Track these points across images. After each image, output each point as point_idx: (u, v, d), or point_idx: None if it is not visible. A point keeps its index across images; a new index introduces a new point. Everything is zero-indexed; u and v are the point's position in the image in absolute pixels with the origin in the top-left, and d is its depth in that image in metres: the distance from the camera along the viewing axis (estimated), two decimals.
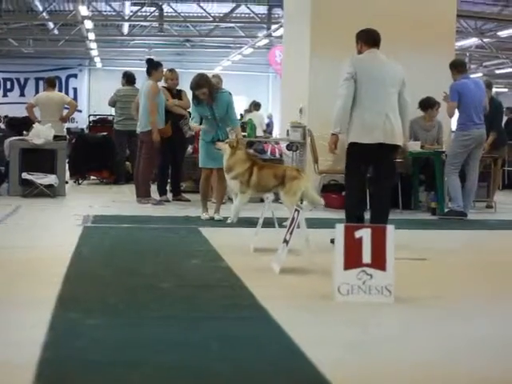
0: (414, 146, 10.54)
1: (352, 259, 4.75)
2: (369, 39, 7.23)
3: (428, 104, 10.84)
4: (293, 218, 5.69)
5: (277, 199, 8.80)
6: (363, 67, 7.04)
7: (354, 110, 7.00)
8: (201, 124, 9.08)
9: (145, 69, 10.94)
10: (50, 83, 13.42)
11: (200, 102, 8.92)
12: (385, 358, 3.58)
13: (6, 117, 23.53)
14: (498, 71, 30.99)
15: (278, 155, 13.06)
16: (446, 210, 10.10)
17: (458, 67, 10.05)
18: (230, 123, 9.03)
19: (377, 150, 6.97)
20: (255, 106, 20.52)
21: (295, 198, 8.38)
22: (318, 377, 3.21)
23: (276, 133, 19.74)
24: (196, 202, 10.97)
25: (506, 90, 33.27)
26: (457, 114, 10.05)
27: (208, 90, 8.81)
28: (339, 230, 4.79)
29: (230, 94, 9.12)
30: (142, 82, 11.24)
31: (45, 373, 3.16)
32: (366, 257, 4.76)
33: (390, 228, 4.84)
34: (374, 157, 7.04)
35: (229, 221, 8.62)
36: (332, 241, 6.41)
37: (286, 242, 5.66)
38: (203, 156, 9.10)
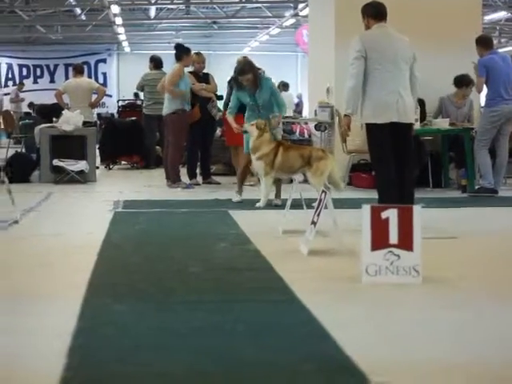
0: (443, 124, 10.46)
1: (379, 240, 4.74)
2: (376, 13, 6.95)
3: (463, 81, 10.67)
4: (320, 200, 5.70)
5: (305, 180, 8.81)
6: (373, 44, 6.80)
7: (366, 90, 6.81)
8: (239, 112, 9.06)
9: (172, 52, 10.96)
10: (78, 70, 13.52)
11: (242, 88, 8.86)
12: (413, 341, 3.58)
13: (31, 104, 23.72)
14: None
15: (306, 135, 13.03)
16: (476, 187, 10.02)
17: (485, 43, 9.93)
18: (276, 109, 8.89)
19: (391, 130, 6.82)
20: (283, 86, 20.43)
21: (323, 178, 8.39)
22: (347, 360, 3.22)
23: (305, 112, 19.67)
24: (226, 185, 11.05)
25: None
26: (485, 89, 9.93)
27: (253, 75, 8.76)
28: (366, 211, 4.78)
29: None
30: (170, 65, 11.26)
31: (76, 360, 3.21)
32: (393, 237, 4.75)
33: (416, 208, 4.82)
34: (389, 137, 6.87)
35: (257, 205, 8.53)
36: None
37: (313, 223, 5.66)
38: (246, 142, 9.00)
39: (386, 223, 4.77)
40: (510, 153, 10.42)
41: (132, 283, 4.67)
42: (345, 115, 6.94)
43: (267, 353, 3.35)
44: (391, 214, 4.78)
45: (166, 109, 10.68)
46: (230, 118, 9.14)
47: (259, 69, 9.29)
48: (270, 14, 26.23)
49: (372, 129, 6.86)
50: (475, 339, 3.61)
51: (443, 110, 10.97)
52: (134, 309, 4.08)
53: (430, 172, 10.65)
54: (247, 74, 8.75)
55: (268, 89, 8.86)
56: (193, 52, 11.42)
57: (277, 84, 21.49)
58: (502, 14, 24.47)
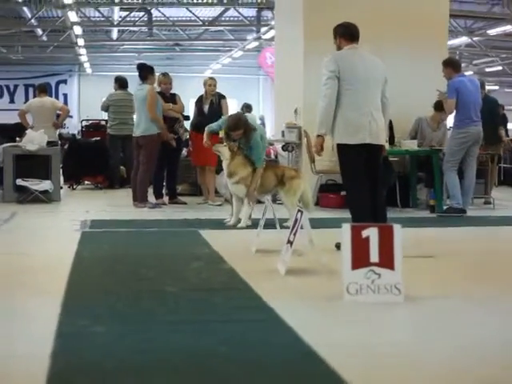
0: (411, 145, 10.50)
1: (360, 258, 4.68)
2: (348, 34, 6.87)
3: (442, 106, 10.64)
4: (296, 219, 5.63)
5: (274, 200, 8.73)
6: (346, 64, 6.71)
7: (338, 110, 6.70)
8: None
9: (135, 73, 10.86)
10: (42, 89, 13.34)
11: (233, 141, 8.69)
12: (397, 359, 3.52)
13: None
14: (488, 69, 31.01)
15: (273, 156, 12.99)
16: (444, 208, 10.05)
17: (454, 65, 10.00)
18: (255, 161, 8.67)
19: (363, 152, 6.76)
20: (247, 107, 20.39)
21: (295, 198, 8.34)
22: (333, 378, 3.14)
23: (269, 134, 19.67)
24: (193, 205, 10.95)
25: (496, 87, 33.27)
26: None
27: (244, 130, 8.64)
28: (346, 230, 4.72)
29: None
30: (134, 86, 11.15)
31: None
32: (374, 256, 4.69)
33: (396, 227, 4.77)
34: (362, 158, 6.81)
35: (239, 225, 8.39)
36: (337, 246, 6.32)
37: (289, 242, 5.59)
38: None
39: (367, 242, 4.72)
40: (476, 174, 10.47)
41: (108, 304, 4.53)
42: (318, 135, 6.83)
43: (255, 374, 3.25)
44: (372, 233, 4.73)
45: (140, 130, 10.52)
46: (207, 133, 9.08)
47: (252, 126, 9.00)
48: (232, 37, 26.26)
49: (344, 149, 6.79)
50: (460, 355, 3.55)
51: (419, 130, 11.01)
52: (114, 330, 3.95)
53: (398, 192, 10.66)
54: (238, 130, 8.60)
55: (255, 142, 8.65)
56: (160, 73, 11.35)
57: (240, 106, 21.56)
58: (462, 40, 24.80)
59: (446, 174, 9.96)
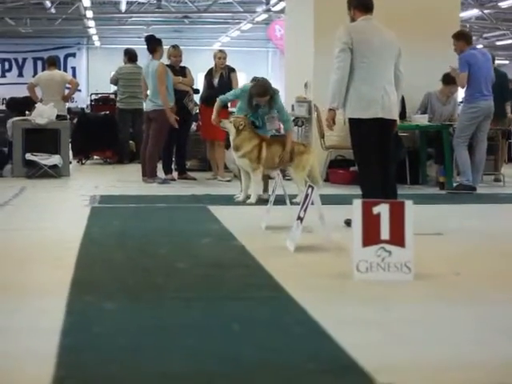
0: (422, 120, 10.43)
1: (370, 236, 4.65)
2: (362, 5, 6.74)
3: (451, 79, 10.49)
4: (306, 195, 5.60)
5: (283, 176, 8.69)
6: (360, 36, 6.60)
7: (351, 83, 6.59)
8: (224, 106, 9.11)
9: (143, 46, 10.79)
10: (51, 62, 13.29)
11: (256, 109, 8.59)
12: (407, 338, 3.51)
13: None
14: (498, 43, 30.75)
15: (282, 131, 12.92)
16: (454, 184, 9.99)
17: (466, 38, 9.88)
18: (283, 125, 8.91)
19: (376, 126, 6.65)
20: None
21: (304, 173, 8.32)
22: (350, 360, 3.13)
23: None
24: (202, 180, 10.94)
25: (506, 61, 33.01)
26: None
27: (270, 96, 8.51)
28: (357, 206, 4.69)
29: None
30: (143, 59, 11.09)
31: (65, 361, 3.07)
32: (385, 233, 4.66)
33: (408, 203, 4.75)
34: (374, 132, 6.73)
35: (248, 201, 8.33)
36: (347, 222, 6.29)
37: (300, 219, 5.56)
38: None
39: (378, 219, 4.69)
40: (487, 150, 10.40)
41: (119, 280, 4.54)
42: (329, 109, 6.73)
43: (267, 353, 3.24)
44: (383, 210, 4.70)
45: (151, 104, 10.47)
46: (217, 105, 8.82)
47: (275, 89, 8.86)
48: (241, 9, 26.09)
49: (357, 124, 6.71)
50: (470, 335, 3.54)
51: (428, 105, 10.93)
52: (124, 307, 3.95)
53: (407, 168, 10.61)
54: (266, 95, 8.49)
55: (278, 105, 8.64)
56: (170, 45, 11.29)
57: (249, 80, 21.50)
58: (473, 12, 24.58)
59: (457, 150, 9.89)
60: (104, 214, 7.49)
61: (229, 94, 8.99)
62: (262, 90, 8.48)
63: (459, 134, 9.85)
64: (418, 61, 10.52)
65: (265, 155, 8.42)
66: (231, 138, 8.53)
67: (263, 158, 8.42)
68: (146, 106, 10.63)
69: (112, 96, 14.95)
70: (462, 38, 9.85)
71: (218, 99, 8.97)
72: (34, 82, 13.18)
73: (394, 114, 6.77)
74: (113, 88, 15.03)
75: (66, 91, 13.20)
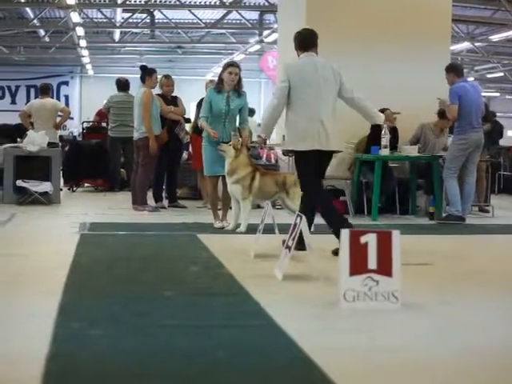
0: (412, 151, 10.47)
1: (358, 265, 4.67)
2: (301, 43, 7.11)
3: (446, 114, 10.57)
4: (295, 224, 5.62)
5: (273, 205, 8.71)
6: (296, 73, 6.91)
7: (289, 117, 6.96)
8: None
9: (137, 75, 10.87)
10: (44, 90, 13.33)
11: (221, 91, 8.77)
12: (394, 367, 3.51)
13: None
14: (489, 75, 31.03)
15: (273, 161, 12.98)
16: (444, 215, 10.03)
17: (457, 71, 9.99)
18: (241, 122, 9.00)
19: (315, 157, 6.90)
20: (250, 111, 20.39)
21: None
22: None
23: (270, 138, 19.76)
24: (192, 209, 10.94)
25: (497, 94, 33.28)
26: None
27: (240, 73, 8.85)
28: (345, 235, 4.72)
29: None
30: (136, 88, 11.15)
31: None
32: (372, 262, 4.69)
33: (395, 233, 4.77)
34: (315, 163, 6.97)
35: (238, 230, 8.37)
36: (334, 252, 6.32)
37: (288, 247, 5.59)
38: (209, 162, 8.83)
39: (365, 248, 4.71)
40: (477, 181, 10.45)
41: (105, 307, 4.53)
42: (258, 136, 7.27)
43: (252, 380, 3.24)
44: (370, 239, 4.72)
45: (138, 132, 10.51)
46: (204, 124, 8.76)
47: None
48: (234, 40, 26.28)
49: (298, 155, 7.02)
50: (457, 364, 3.54)
51: (422, 136, 10.98)
52: (110, 333, 3.95)
53: (397, 199, 10.65)
54: (238, 67, 8.89)
55: (243, 100, 8.92)
56: (162, 75, 11.35)
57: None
58: (464, 45, 24.80)
59: (446, 181, 9.94)
60: (93, 241, 7.49)
61: (203, 109, 8.91)
62: (231, 61, 8.93)
63: (449, 166, 9.91)
64: (410, 92, 10.62)
65: (257, 185, 8.46)
66: (227, 161, 8.51)
67: (255, 187, 8.45)
68: (134, 134, 10.66)
69: (103, 124, 14.98)
70: (453, 70, 9.95)
71: (201, 120, 8.85)
72: (26, 109, 13.21)
73: (332, 146, 7.01)
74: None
75: (58, 119, 13.24)
